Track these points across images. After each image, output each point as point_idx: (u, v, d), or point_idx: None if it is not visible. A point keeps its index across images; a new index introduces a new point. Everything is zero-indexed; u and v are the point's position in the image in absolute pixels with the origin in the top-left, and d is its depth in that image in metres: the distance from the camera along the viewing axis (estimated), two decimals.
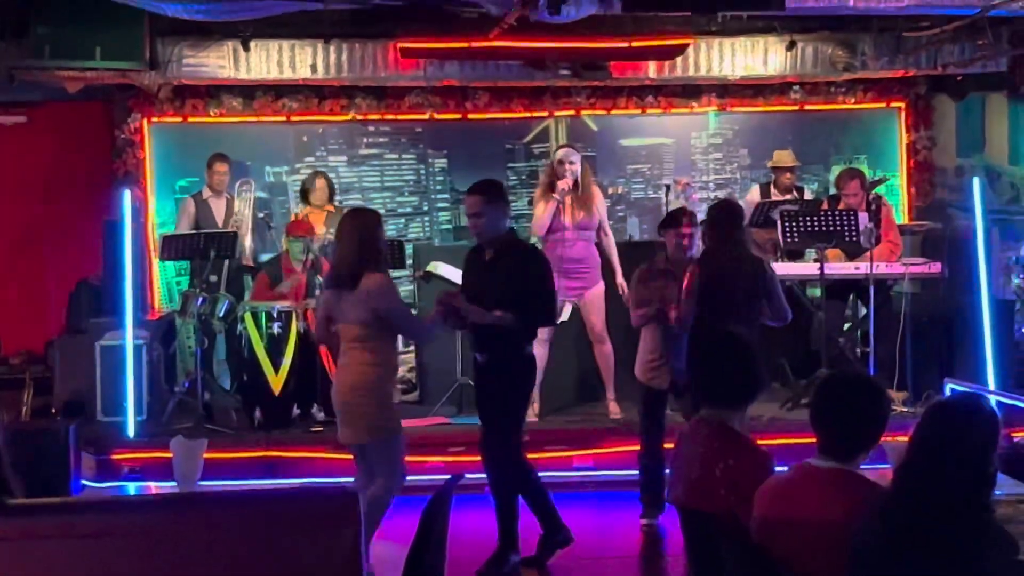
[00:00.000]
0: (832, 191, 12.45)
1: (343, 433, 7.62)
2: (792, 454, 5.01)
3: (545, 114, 13.76)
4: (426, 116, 13.53)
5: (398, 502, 7.47)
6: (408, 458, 7.74)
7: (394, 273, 9.31)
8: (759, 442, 5.46)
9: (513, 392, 7.96)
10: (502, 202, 7.95)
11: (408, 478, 7.66)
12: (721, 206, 9.50)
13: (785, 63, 12.88)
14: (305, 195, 12.14)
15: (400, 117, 13.58)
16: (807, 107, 13.88)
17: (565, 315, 10.73)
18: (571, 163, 10.57)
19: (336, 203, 12.17)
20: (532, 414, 10.58)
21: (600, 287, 10.69)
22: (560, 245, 10.51)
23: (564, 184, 10.48)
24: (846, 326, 11.87)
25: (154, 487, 9.93)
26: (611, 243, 10.87)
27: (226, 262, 11.57)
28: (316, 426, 10.49)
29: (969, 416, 4.17)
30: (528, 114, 13.73)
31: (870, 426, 4.61)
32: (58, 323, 12.51)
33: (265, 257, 12.30)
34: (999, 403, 8.74)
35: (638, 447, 9.12)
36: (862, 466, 4.61)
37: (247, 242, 12.25)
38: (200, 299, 10.86)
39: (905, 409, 10.14)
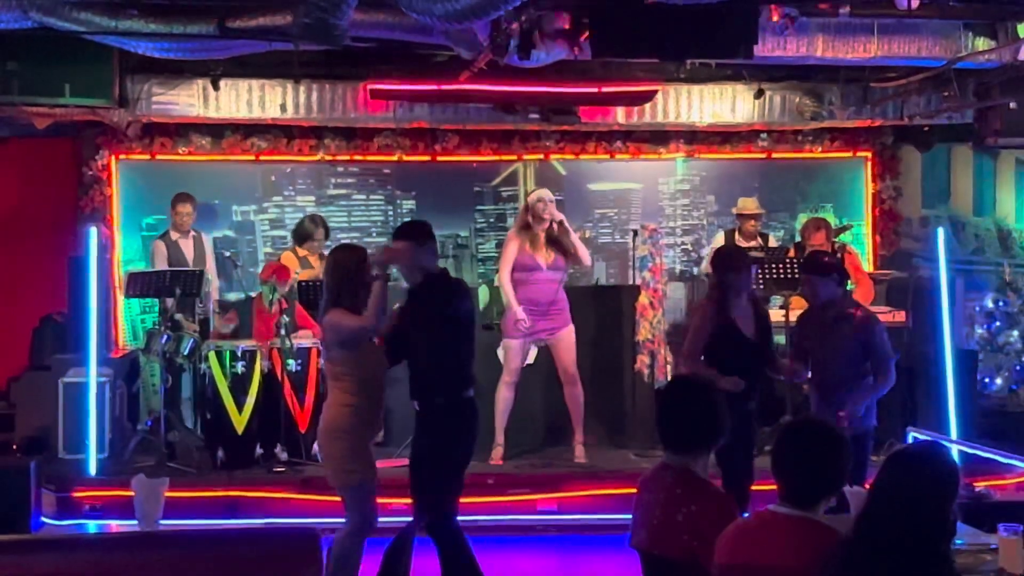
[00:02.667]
0: (798, 238, 12.51)
1: (325, 473, 7.62)
2: (756, 500, 5.01)
3: (514, 157, 13.81)
4: (395, 157, 13.55)
5: None
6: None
7: None
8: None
9: (445, 441, 7.57)
10: (431, 242, 7.76)
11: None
12: (724, 250, 9.58)
13: (753, 111, 12.97)
14: (301, 238, 12.12)
15: (369, 158, 13.59)
16: (774, 155, 13.97)
17: (531, 358, 10.75)
18: (550, 201, 10.63)
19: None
20: (497, 457, 10.58)
21: (571, 329, 10.70)
22: (531, 286, 10.53)
23: (546, 220, 10.56)
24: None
25: (115, 525, 9.86)
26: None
27: (197, 300, 11.56)
28: (279, 466, 10.44)
29: (929, 465, 4.18)
30: (497, 157, 13.77)
31: (831, 474, 4.62)
32: (21, 359, 12.43)
33: (231, 296, 12.28)
34: (961, 453, 8.79)
35: (606, 491, 9.07)
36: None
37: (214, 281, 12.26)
38: (164, 337, 10.82)
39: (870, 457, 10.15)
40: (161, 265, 11.94)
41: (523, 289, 10.55)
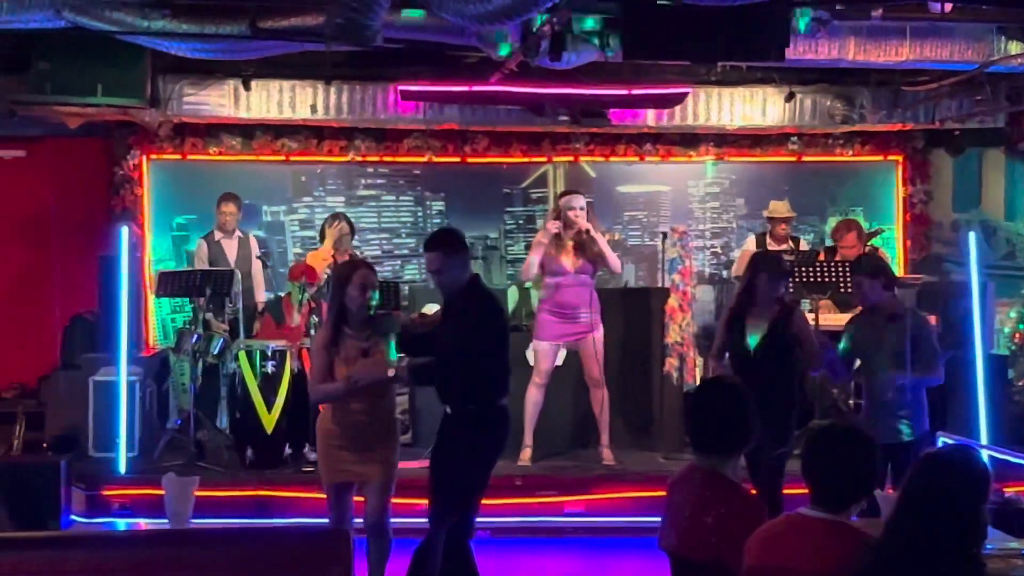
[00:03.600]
0: (828, 242, 12.48)
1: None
2: (786, 504, 4.99)
3: (544, 159, 13.81)
4: (425, 159, 13.57)
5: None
6: (400, 500, 7.74)
7: None
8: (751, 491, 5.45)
9: (472, 448, 7.48)
10: (463, 252, 7.69)
11: (400, 520, 7.67)
12: (762, 255, 9.58)
13: (783, 114, 12.95)
14: (324, 234, 12.15)
15: (399, 159, 13.62)
16: (804, 158, 13.94)
17: (560, 359, 10.75)
18: (581, 209, 10.60)
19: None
20: (525, 458, 10.57)
21: (600, 332, 10.67)
22: (559, 289, 10.52)
23: (553, 227, 10.51)
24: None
25: (144, 524, 9.89)
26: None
27: (227, 300, 11.59)
28: (308, 466, 10.44)
29: (959, 468, 4.17)
30: (527, 159, 13.78)
31: (861, 478, 4.61)
32: (52, 358, 12.48)
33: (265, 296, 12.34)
34: (991, 457, 8.74)
35: (634, 493, 9.08)
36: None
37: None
38: (195, 336, 10.85)
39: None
40: (201, 265, 11.97)
41: (551, 293, 10.55)
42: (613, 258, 10.72)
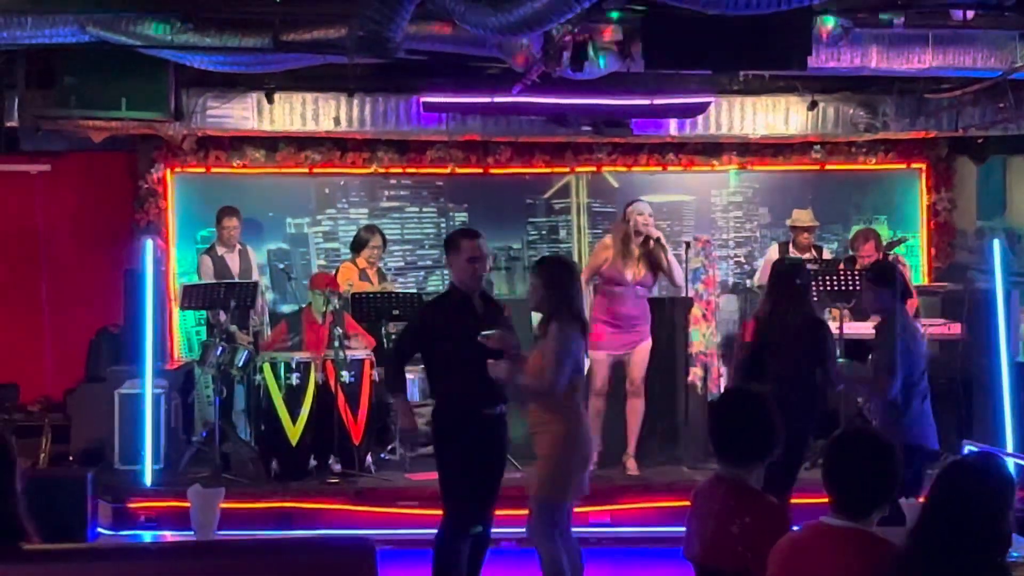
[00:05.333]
0: (851, 251, 12.46)
1: None
2: (809, 513, 4.98)
3: (566, 170, 13.83)
4: (447, 170, 13.60)
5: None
6: (422, 511, 7.79)
7: None
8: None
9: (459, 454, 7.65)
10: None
11: (418, 532, 7.73)
12: (783, 263, 9.52)
13: (806, 123, 12.91)
14: (358, 247, 12.21)
15: (422, 170, 13.65)
16: (828, 167, 13.93)
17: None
18: (650, 215, 10.62)
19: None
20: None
21: (648, 343, 10.70)
22: (617, 299, 10.52)
23: (645, 229, 10.54)
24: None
25: (170, 536, 9.91)
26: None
27: (251, 312, 11.65)
28: (333, 478, 10.47)
29: (984, 476, 4.16)
30: (549, 169, 13.79)
31: (883, 484, 4.59)
32: (78, 371, 12.54)
33: (284, 308, 12.35)
34: (1018, 465, 8.72)
35: (659, 503, 9.07)
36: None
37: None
38: (219, 349, 10.88)
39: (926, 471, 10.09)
40: (207, 279, 12.02)
41: (608, 302, 10.54)
42: (678, 271, 10.74)
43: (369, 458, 10.77)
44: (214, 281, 11.74)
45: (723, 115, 12.87)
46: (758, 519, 5.14)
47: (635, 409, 10.75)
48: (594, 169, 13.85)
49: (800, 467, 8.41)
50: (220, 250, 12.31)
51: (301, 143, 13.21)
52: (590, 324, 10.50)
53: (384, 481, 10.53)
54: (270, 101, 12.23)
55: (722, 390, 10.86)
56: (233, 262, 12.29)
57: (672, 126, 12.93)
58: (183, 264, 13.34)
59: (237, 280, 11.80)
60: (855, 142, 13.64)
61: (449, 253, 7.85)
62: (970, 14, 9.66)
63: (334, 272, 12.14)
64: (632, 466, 10.76)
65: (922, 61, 10.70)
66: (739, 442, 5.33)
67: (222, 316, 11.13)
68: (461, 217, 13.89)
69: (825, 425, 10.69)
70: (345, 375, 10.62)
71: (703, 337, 11.14)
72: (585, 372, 10.51)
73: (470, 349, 7.39)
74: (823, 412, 10.47)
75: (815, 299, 10.60)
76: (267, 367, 10.62)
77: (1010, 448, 10.42)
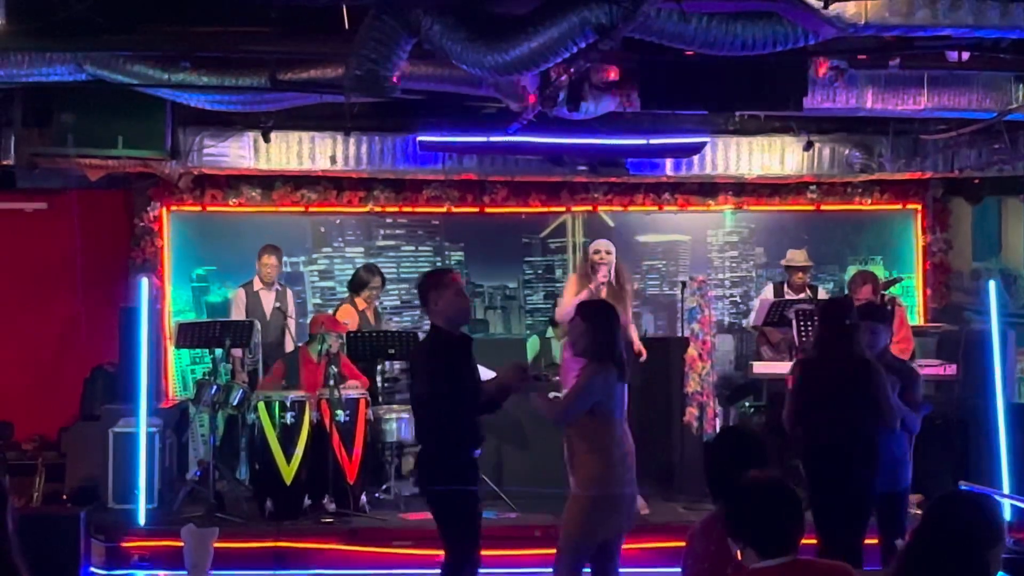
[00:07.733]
0: (847, 291, 12.45)
1: None
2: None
3: (562, 209, 13.84)
4: (444, 209, 13.61)
5: None
6: (417, 551, 7.72)
7: None
8: None
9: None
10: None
11: (413, 571, 7.66)
12: (832, 303, 9.46)
13: (802, 163, 12.95)
14: (358, 287, 12.21)
15: (418, 210, 13.66)
16: (823, 207, 13.95)
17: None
18: (608, 253, 10.58)
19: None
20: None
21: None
22: None
23: (602, 277, 10.45)
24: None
25: (163, 575, 9.88)
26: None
27: (247, 351, 11.64)
28: (327, 517, 10.44)
29: (971, 510, 4.13)
30: (545, 209, 13.80)
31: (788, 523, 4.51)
32: (72, 409, 12.51)
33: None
34: (1014, 507, 8.70)
35: (655, 544, 9.01)
36: None
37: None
38: (214, 387, 10.85)
39: (919, 512, 10.04)
40: (237, 314, 12.03)
41: None
42: (633, 330, 10.66)
43: (364, 497, 10.73)
44: (211, 320, 11.73)
45: (719, 155, 12.91)
46: None
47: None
48: (590, 208, 13.86)
49: (866, 522, 7.98)
50: (257, 286, 12.33)
51: (297, 182, 13.22)
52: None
53: (379, 521, 10.48)
54: (267, 140, 12.25)
55: (718, 430, 10.84)
56: (267, 300, 12.29)
57: (668, 166, 12.96)
58: (178, 302, 13.33)
59: (232, 319, 11.79)
60: (851, 182, 13.67)
61: (432, 292, 7.58)
62: (965, 56, 9.69)
63: (332, 311, 12.14)
64: (640, 504, 10.68)
65: (917, 102, 10.74)
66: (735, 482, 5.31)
67: (237, 352, 11.15)
68: (457, 256, 13.89)
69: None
70: (340, 414, 10.60)
71: (699, 377, 11.13)
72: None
73: (470, 390, 7.39)
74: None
75: (807, 338, 10.65)
76: (262, 406, 10.59)
77: (1006, 489, 10.40)
